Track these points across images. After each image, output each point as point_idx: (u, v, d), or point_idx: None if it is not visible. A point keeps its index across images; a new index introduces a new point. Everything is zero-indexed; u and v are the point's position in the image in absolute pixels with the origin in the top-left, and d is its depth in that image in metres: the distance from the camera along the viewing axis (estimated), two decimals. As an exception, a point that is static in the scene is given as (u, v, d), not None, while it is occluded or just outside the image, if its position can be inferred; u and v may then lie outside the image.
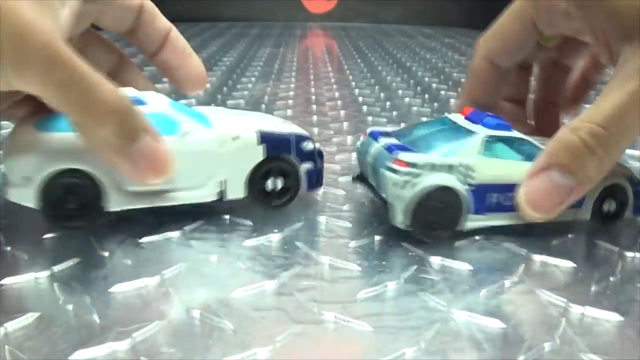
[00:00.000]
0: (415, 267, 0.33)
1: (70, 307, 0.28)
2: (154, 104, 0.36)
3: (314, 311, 0.28)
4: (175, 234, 0.36)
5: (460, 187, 0.35)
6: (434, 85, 0.89)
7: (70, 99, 0.28)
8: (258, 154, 0.37)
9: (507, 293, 0.31)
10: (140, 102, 0.35)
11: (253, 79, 0.89)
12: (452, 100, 0.78)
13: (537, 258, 0.34)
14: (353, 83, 0.88)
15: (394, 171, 0.35)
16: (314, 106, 0.73)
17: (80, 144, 0.30)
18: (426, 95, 0.81)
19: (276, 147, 0.38)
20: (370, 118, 0.68)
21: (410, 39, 1.48)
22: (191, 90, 0.42)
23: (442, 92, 0.83)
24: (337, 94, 0.80)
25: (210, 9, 1.81)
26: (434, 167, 0.35)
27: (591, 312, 0.29)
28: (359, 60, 1.11)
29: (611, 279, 0.32)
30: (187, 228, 0.36)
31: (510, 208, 0.36)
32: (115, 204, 0.35)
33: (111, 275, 0.31)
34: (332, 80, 0.91)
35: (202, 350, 0.25)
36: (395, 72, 0.99)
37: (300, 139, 0.39)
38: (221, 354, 0.25)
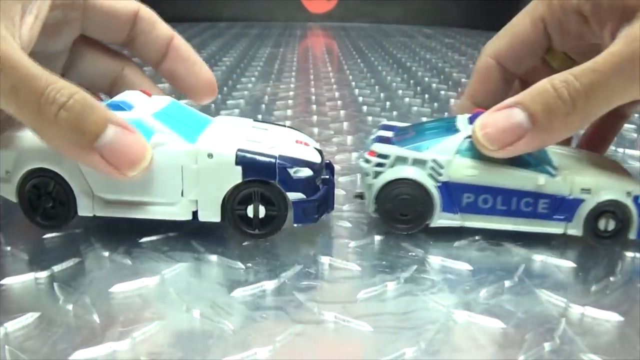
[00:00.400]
0: (415, 267, 0.33)
1: (70, 307, 0.28)
2: (139, 109, 0.34)
3: (314, 311, 0.28)
4: (175, 234, 0.36)
5: (428, 182, 0.35)
6: (434, 85, 0.89)
7: (20, 102, 0.28)
8: (236, 176, 0.33)
9: (507, 293, 0.31)
10: (122, 107, 0.34)
11: (253, 79, 0.89)
12: (452, 100, 0.78)
13: (537, 258, 0.34)
14: (353, 83, 0.88)
15: (367, 161, 0.36)
16: (314, 106, 0.73)
17: None
18: (426, 95, 0.81)
19: (255, 170, 0.33)
20: (370, 118, 0.68)
21: (410, 39, 1.48)
22: (201, 99, 0.42)
23: (442, 92, 0.83)
24: (337, 94, 0.80)
25: (209, 9, 1.81)
26: (404, 160, 0.36)
27: (591, 312, 0.29)
28: (359, 60, 1.11)
29: (611, 279, 0.32)
30: (187, 228, 0.36)
31: (489, 211, 0.35)
32: (84, 209, 0.34)
33: (111, 275, 0.31)
34: (332, 80, 0.91)
35: (202, 350, 0.25)
36: (395, 72, 0.99)
37: (290, 163, 0.33)
38: (221, 354, 0.25)
